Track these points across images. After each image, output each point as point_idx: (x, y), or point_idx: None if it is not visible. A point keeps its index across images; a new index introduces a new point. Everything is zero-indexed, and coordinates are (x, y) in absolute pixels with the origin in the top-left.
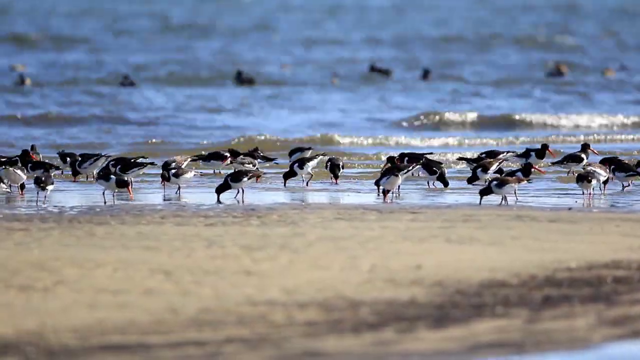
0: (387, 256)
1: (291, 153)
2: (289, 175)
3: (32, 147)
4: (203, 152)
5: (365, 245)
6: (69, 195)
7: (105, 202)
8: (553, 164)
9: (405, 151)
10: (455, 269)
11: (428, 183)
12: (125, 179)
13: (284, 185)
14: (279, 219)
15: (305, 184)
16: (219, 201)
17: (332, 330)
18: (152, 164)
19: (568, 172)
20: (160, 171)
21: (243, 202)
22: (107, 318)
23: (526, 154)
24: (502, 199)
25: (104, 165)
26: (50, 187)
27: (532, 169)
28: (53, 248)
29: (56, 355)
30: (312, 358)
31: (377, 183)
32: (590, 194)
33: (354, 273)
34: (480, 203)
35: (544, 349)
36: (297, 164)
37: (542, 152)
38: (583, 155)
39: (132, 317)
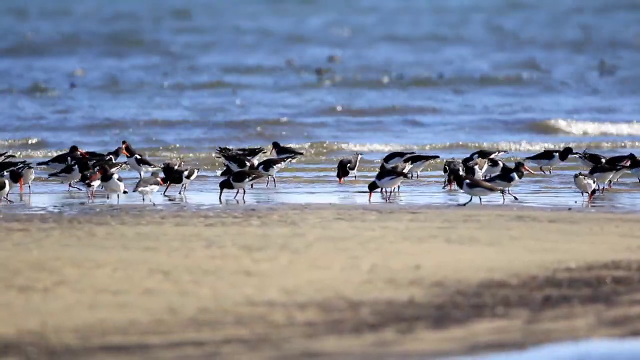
0: (387, 256)
1: (280, 152)
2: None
3: (75, 148)
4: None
5: (365, 245)
6: (68, 196)
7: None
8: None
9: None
10: (455, 269)
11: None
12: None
13: (251, 186)
14: (279, 219)
15: (267, 185)
16: (220, 195)
17: (331, 331)
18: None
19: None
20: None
21: (244, 202)
22: (108, 318)
23: (549, 155)
24: (470, 199)
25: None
26: (95, 184)
27: (524, 169)
28: (53, 248)
29: (57, 355)
30: (312, 358)
31: (375, 185)
32: (589, 194)
33: (353, 273)
34: (445, 184)
35: (544, 349)
36: (262, 166)
37: (564, 154)
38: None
39: (132, 317)
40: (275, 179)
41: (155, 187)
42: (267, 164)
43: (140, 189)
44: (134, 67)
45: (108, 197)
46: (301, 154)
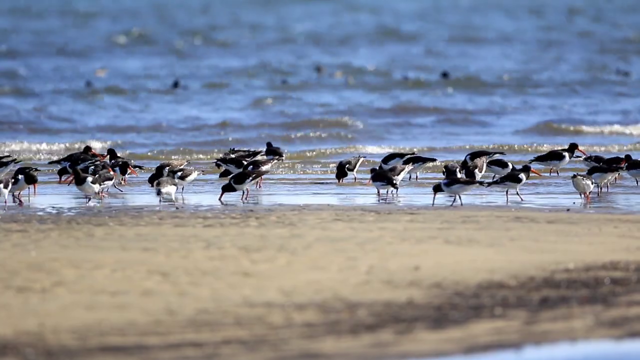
0: (386, 257)
1: (268, 153)
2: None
3: (88, 148)
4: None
5: (363, 246)
6: (67, 196)
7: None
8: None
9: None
10: (454, 270)
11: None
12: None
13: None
14: (278, 220)
15: (257, 186)
16: (221, 196)
17: (330, 332)
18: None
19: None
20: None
21: (245, 202)
22: (106, 319)
23: (558, 155)
24: (457, 199)
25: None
26: (107, 184)
27: (531, 172)
28: (51, 249)
29: (55, 356)
30: (310, 359)
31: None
32: (587, 195)
33: (352, 274)
34: (432, 202)
35: (542, 350)
36: (251, 167)
37: (571, 150)
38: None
39: (131, 317)
40: (260, 182)
41: (174, 188)
42: (256, 165)
43: (164, 190)
44: (187, 66)
45: (100, 199)
46: (281, 154)
